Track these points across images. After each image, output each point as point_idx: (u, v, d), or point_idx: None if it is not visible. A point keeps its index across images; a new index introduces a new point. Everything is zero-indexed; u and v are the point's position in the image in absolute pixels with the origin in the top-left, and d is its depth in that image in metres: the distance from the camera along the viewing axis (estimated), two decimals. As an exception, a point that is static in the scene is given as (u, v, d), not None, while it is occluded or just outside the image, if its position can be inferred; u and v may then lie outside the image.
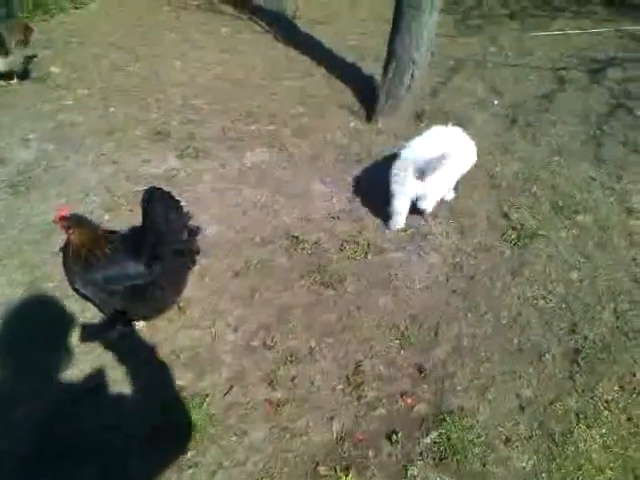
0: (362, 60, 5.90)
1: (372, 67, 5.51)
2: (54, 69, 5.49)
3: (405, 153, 3.39)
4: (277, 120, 4.79)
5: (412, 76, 4.59)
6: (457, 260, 3.35)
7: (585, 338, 2.84)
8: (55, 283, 3.05)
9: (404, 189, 3.39)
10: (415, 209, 3.50)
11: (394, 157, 3.47)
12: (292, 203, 3.83)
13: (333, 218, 3.69)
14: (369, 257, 3.36)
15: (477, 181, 4.03)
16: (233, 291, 3.09)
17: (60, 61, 5.70)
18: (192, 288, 2.99)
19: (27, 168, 3.99)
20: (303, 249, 3.39)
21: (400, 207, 3.49)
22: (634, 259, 3.35)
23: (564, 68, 5.82)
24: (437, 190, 3.45)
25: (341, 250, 3.40)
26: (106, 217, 3.58)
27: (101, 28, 6.57)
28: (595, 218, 3.67)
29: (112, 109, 4.85)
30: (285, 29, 6.80)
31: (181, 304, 2.95)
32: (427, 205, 3.48)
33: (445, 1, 7.37)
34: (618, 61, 6.01)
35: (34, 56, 5.49)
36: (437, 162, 3.19)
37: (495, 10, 7.40)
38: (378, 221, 3.67)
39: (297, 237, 3.47)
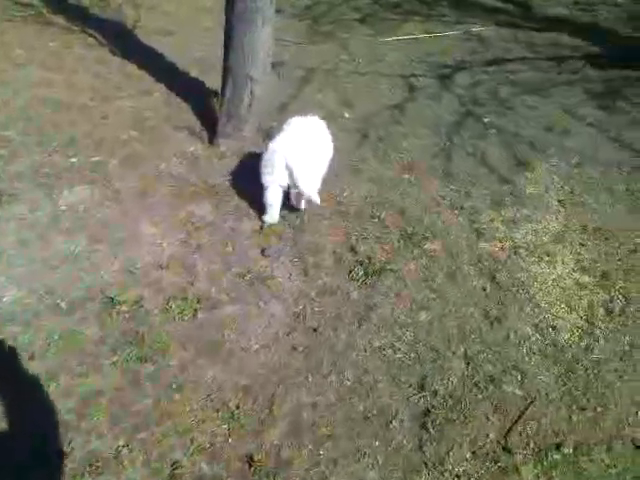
0: (206, 74, 5.39)
1: (217, 81, 5.00)
2: None
3: (272, 144, 3.43)
4: (103, 149, 4.20)
5: (252, 94, 4.19)
6: (300, 308, 2.99)
7: (435, 394, 2.57)
8: None
9: (274, 178, 3.39)
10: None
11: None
12: (114, 251, 3.29)
13: (161, 268, 3.20)
14: (199, 316, 2.91)
15: (324, 210, 3.69)
16: (24, 380, 2.51)
17: None
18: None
19: None
20: (119, 313, 2.88)
21: (273, 199, 3.47)
22: (484, 289, 3.15)
23: (414, 75, 5.66)
24: (309, 175, 3.38)
25: (166, 310, 2.92)
26: None
27: None
28: (444, 244, 3.45)
29: None
30: (123, 42, 6.13)
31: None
32: (307, 191, 3.35)
33: (296, 6, 7.12)
34: (467, 65, 5.96)
35: None
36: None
37: (346, 14, 7.15)
38: (214, 266, 3.23)
39: (112, 298, 2.94)
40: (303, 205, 3.61)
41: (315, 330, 2.85)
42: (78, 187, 3.79)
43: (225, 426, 2.39)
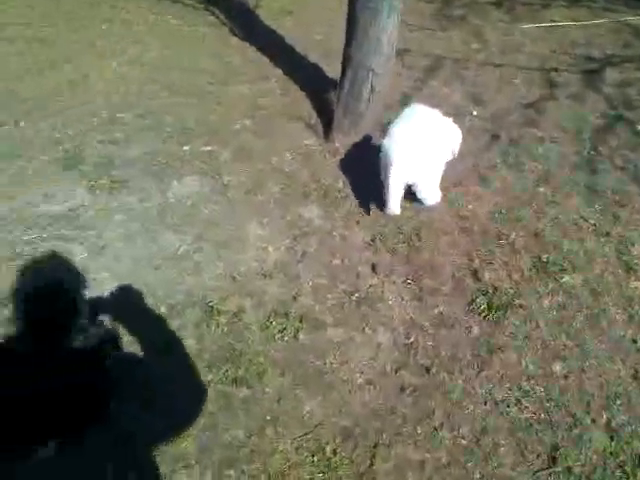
0: (327, 58, 5.10)
1: (337, 68, 4.71)
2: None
3: (391, 131, 3.30)
4: (216, 139, 4.05)
5: (372, 88, 3.85)
6: (411, 340, 2.67)
7: (569, 471, 2.16)
8: None
9: (392, 173, 3.17)
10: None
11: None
12: (218, 253, 3.13)
13: (264, 276, 2.99)
14: (300, 337, 2.67)
15: (444, 223, 3.31)
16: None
17: (-21, 60, 4.91)
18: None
19: None
20: (218, 325, 2.69)
21: (394, 191, 3.22)
22: (634, 341, 2.66)
23: (555, 69, 5.04)
24: (429, 174, 3.27)
25: (266, 327, 2.70)
26: (-22, 281, 2.86)
27: (21, 18, 5.69)
28: (586, 279, 2.96)
29: (23, 123, 4.08)
30: (244, 21, 5.97)
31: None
32: (425, 193, 3.30)
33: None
34: (617, 60, 5.24)
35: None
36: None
37: (481, -3, 6.56)
38: (320, 280, 2.97)
39: (212, 307, 2.77)
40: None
41: (427, 370, 2.52)
42: (188, 178, 3.67)
43: (320, 475, 2.13)
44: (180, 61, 5.07)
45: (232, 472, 2.13)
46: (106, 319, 2.63)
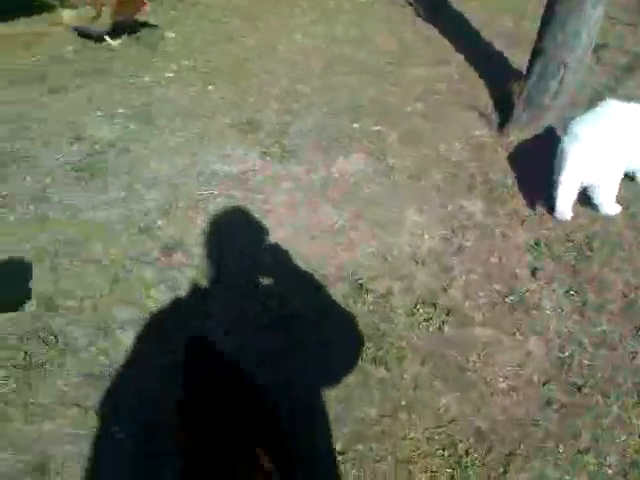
0: (512, 48, 4.87)
1: (522, 59, 4.47)
2: (169, 34, 5.15)
3: (575, 127, 3.07)
4: (386, 119, 4.05)
5: (561, 82, 3.59)
6: (566, 354, 2.49)
7: None
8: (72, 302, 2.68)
9: (568, 169, 2.98)
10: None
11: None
12: (373, 233, 3.14)
13: (416, 262, 2.95)
14: (445, 329, 2.60)
15: (621, 237, 3.04)
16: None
17: (179, 25, 5.35)
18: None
19: (101, 149, 3.69)
20: (364, 303, 2.71)
21: (566, 191, 3.03)
22: None
23: None
24: (610, 177, 3.04)
25: (412, 313, 2.67)
26: (159, 222, 3.15)
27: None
28: None
29: (210, 87, 4.40)
30: (430, 2, 5.86)
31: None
32: (602, 198, 3.08)
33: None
34: None
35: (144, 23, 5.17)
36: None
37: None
38: (473, 276, 2.87)
39: (361, 284, 2.79)
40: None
41: (579, 389, 2.33)
42: (354, 155, 3.71)
43: (449, 470, 2.08)
44: (363, 39, 5.13)
45: (360, 446, 2.15)
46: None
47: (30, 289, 2.71)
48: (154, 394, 2.26)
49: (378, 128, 3.96)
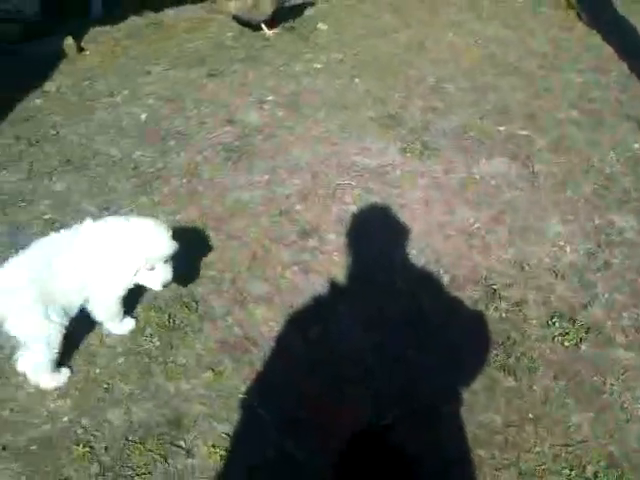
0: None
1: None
2: (322, 26, 5.29)
3: None
4: (534, 124, 3.90)
5: None
6: None
7: None
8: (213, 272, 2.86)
9: None
10: None
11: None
12: (511, 239, 3.05)
13: (555, 275, 2.83)
14: (582, 348, 2.47)
15: None
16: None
17: (331, 18, 5.48)
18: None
19: (250, 133, 3.88)
20: (497, 309, 2.64)
21: None
22: None
23: None
24: None
25: (547, 325, 2.57)
26: (297, 207, 3.27)
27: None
28: None
29: (357, 80, 4.47)
30: (594, 6, 5.54)
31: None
32: None
33: None
34: None
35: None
36: None
37: None
38: (619, 296, 2.70)
39: (495, 290, 2.72)
40: None
41: None
42: (497, 159, 3.62)
43: (570, 495, 1.98)
44: (516, 40, 4.97)
45: (482, 452, 2.10)
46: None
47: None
48: (299, 387, 2.34)
49: (525, 133, 3.83)
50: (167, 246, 2.30)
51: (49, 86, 4.34)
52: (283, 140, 3.81)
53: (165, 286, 2.38)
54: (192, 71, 4.58)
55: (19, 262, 2.19)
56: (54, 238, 2.31)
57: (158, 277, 2.34)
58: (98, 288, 2.34)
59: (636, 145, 3.69)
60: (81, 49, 4.78)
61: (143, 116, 4.04)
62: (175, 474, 2.07)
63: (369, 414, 2.23)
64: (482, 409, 2.24)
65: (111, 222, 2.35)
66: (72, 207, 3.26)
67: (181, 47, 4.93)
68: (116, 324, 2.51)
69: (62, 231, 2.36)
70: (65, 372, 2.37)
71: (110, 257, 2.26)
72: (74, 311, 2.33)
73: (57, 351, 2.26)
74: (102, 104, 4.16)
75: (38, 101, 4.20)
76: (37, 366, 2.28)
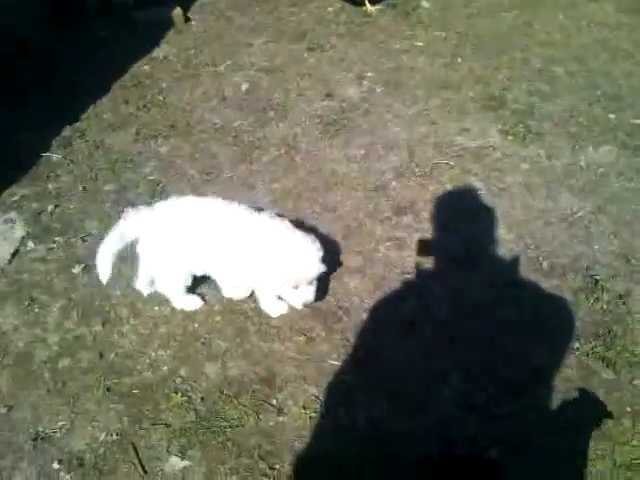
0: None
1: None
2: (424, 3, 5.18)
3: None
4: (648, 111, 3.68)
5: None
6: None
7: None
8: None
9: None
10: None
11: None
12: (616, 230, 2.93)
13: (664, 270, 2.68)
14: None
15: None
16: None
17: (436, -5, 5.35)
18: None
19: (348, 107, 3.89)
20: (598, 300, 2.55)
21: None
22: None
23: None
24: None
25: (651, 320, 2.45)
26: (393, 183, 3.26)
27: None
28: None
29: (459, 60, 4.37)
30: None
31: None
32: None
33: None
34: None
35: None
36: None
37: None
38: None
39: (597, 280, 2.63)
40: None
41: None
42: (605, 147, 3.47)
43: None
44: (631, 26, 4.68)
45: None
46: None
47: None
48: (399, 367, 2.37)
49: (638, 122, 3.62)
50: (316, 269, 2.31)
51: (157, 53, 4.50)
52: (381, 116, 3.79)
53: (305, 305, 2.42)
54: (293, 44, 4.63)
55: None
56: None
57: (300, 296, 2.37)
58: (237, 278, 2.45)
59: None
60: (187, 19, 4.92)
61: (244, 86, 4.13)
62: (266, 429, 2.14)
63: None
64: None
65: (278, 228, 2.36)
66: (175, 170, 3.39)
67: (283, 20, 4.98)
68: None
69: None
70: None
71: (262, 263, 2.31)
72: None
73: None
74: (206, 73, 4.29)
75: (146, 67, 4.37)
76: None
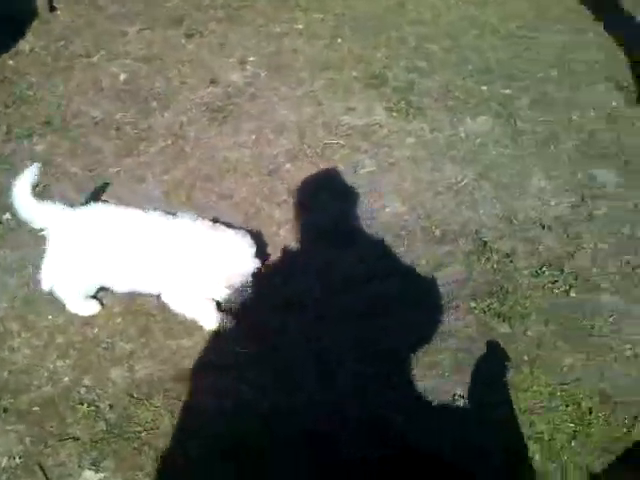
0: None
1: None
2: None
3: None
4: (516, 84, 3.96)
5: None
6: None
7: None
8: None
9: None
10: None
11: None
12: (498, 194, 3.13)
13: (542, 227, 2.93)
14: (571, 294, 2.58)
15: None
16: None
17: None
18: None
19: (234, 93, 3.84)
20: (488, 260, 2.72)
21: None
22: None
23: None
24: None
25: (537, 275, 2.66)
26: (287, 166, 3.28)
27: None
28: None
29: (339, 40, 4.44)
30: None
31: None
32: None
33: None
34: None
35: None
36: None
37: None
38: (603, 245, 2.81)
39: (486, 242, 2.80)
40: None
41: None
42: (481, 117, 3.68)
43: (572, 425, 2.09)
44: (496, 2, 4.96)
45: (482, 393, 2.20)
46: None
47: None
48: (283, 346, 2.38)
49: (508, 92, 3.89)
50: (251, 264, 2.25)
51: (23, 46, 4.19)
52: (268, 100, 3.78)
53: (237, 303, 2.35)
54: (169, 31, 4.48)
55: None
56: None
57: (235, 294, 2.31)
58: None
59: (614, 103, 3.79)
60: (53, 8, 4.61)
61: (122, 76, 3.95)
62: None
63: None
64: (479, 353, 2.33)
65: (204, 229, 2.29)
66: (55, 169, 3.19)
67: (157, 7, 4.79)
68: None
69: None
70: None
71: (196, 267, 2.23)
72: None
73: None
74: (79, 64, 4.05)
75: (11, 62, 4.05)
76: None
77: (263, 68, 4.08)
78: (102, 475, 1.95)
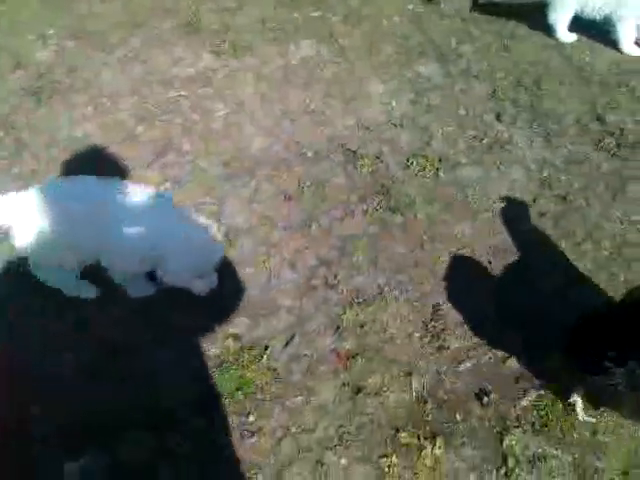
0: None
1: None
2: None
3: None
4: (323, 5, 4.14)
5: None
6: (545, 175, 2.88)
7: None
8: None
9: None
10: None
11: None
12: (346, 108, 3.34)
13: (395, 126, 3.20)
14: (440, 175, 2.91)
15: (563, 76, 3.43)
16: (286, 219, 2.71)
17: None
18: (239, 215, 2.65)
19: (47, 71, 3.54)
20: (363, 166, 2.95)
21: (559, 15, 3.65)
22: None
23: None
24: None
25: (407, 166, 2.95)
26: (139, 129, 3.16)
27: None
28: None
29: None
30: None
31: (230, 236, 2.60)
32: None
33: None
34: None
35: None
36: None
37: None
38: (449, 128, 3.17)
39: (354, 152, 3.02)
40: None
41: (564, 198, 2.74)
42: (305, 42, 3.82)
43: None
44: None
45: (402, 277, 2.45)
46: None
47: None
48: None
49: (319, 14, 4.06)
50: (220, 253, 2.20)
51: None
52: (88, 70, 3.56)
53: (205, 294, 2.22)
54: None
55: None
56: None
57: (205, 284, 2.20)
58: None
59: (410, 6, 4.15)
60: None
61: None
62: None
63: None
64: (388, 245, 2.57)
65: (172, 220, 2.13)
66: None
67: None
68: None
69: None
70: None
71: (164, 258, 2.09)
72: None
73: None
74: None
75: None
76: None
77: (67, 39, 3.80)
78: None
